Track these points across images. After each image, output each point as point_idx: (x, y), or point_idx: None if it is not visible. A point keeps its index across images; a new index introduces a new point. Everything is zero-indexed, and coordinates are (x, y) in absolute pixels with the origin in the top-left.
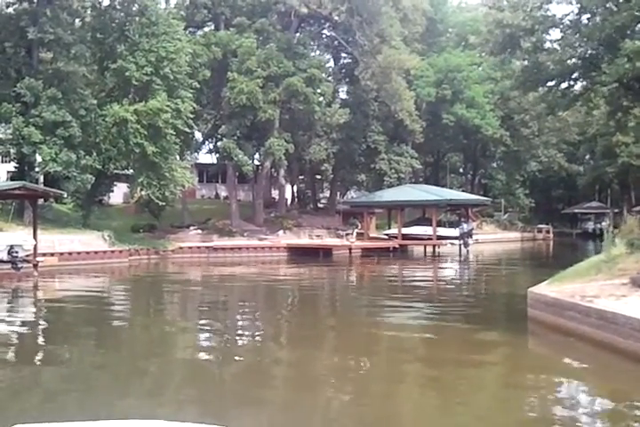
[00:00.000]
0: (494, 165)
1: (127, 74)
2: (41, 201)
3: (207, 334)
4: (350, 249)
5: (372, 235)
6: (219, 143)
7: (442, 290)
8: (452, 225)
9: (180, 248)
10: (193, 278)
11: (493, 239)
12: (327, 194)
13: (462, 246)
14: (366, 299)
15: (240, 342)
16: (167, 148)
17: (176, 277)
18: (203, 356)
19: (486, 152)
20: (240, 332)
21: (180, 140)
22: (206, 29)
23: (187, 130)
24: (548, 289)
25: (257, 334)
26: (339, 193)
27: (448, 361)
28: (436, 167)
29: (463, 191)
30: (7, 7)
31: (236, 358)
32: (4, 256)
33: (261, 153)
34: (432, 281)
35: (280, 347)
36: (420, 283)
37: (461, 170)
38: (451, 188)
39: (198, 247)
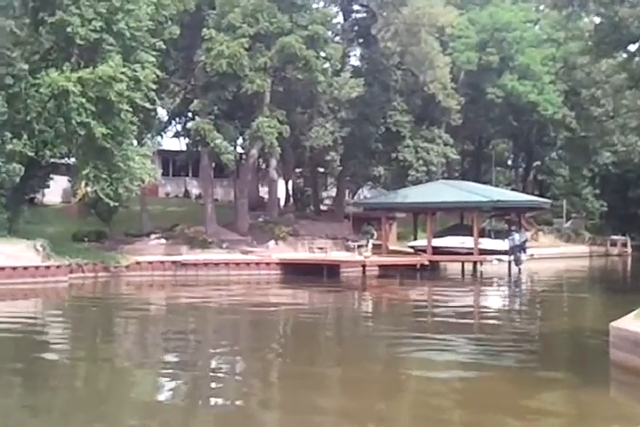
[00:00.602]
0: (554, 155)
1: (69, 30)
2: None
3: (170, 371)
4: (364, 266)
5: (391, 247)
6: (190, 124)
7: (487, 322)
8: (499, 235)
9: (137, 263)
10: (153, 304)
11: (553, 254)
12: (333, 193)
13: (513, 264)
14: (385, 333)
15: (214, 384)
16: (122, 129)
17: (131, 303)
18: (163, 398)
19: (544, 138)
20: (214, 373)
21: (138, 120)
22: None
23: (147, 105)
24: (637, 324)
25: (237, 372)
26: (348, 191)
27: (497, 409)
28: (478, 158)
29: (513, 190)
30: None
31: (211, 401)
32: None
33: (246, 137)
34: (473, 310)
35: (267, 387)
36: (457, 312)
37: (510, 162)
38: (496, 185)
39: (162, 262)
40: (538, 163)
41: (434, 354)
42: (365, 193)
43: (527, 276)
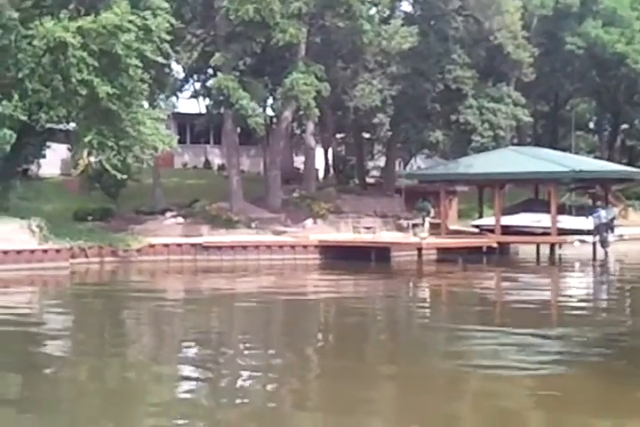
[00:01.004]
0: None
1: None
2: None
3: (191, 368)
4: (420, 249)
5: (452, 227)
6: (210, 81)
7: (567, 315)
8: (581, 212)
9: (151, 246)
10: (170, 294)
11: None
12: (381, 162)
13: (598, 246)
14: (445, 326)
15: (245, 405)
16: (130, 88)
17: (143, 293)
18: (184, 397)
19: (633, 97)
20: (244, 385)
21: (149, 77)
22: None
23: (160, 60)
24: None
25: (270, 389)
26: (398, 161)
27: (578, 409)
28: (554, 121)
29: (597, 158)
30: None
31: (237, 401)
32: None
33: (278, 97)
34: (551, 301)
35: (306, 385)
36: (532, 304)
37: (593, 125)
38: (576, 152)
39: (179, 245)
40: (626, 126)
41: (503, 350)
42: (419, 163)
43: (615, 260)
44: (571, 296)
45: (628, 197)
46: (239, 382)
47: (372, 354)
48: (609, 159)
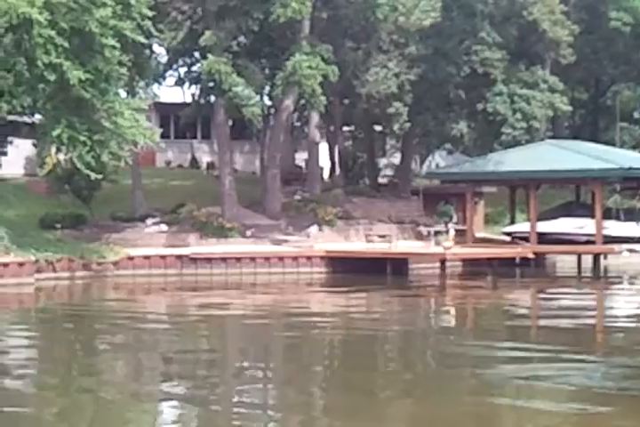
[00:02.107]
0: None
1: None
2: None
3: (175, 405)
4: (444, 261)
5: (478, 234)
6: (197, 66)
7: (618, 341)
8: (630, 217)
9: (130, 259)
10: (151, 315)
11: None
12: (395, 160)
13: None
14: (472, 353)
15: (237, 423)
16: (106, 73)
17: (120, 314)
18: None
19: None
20: (236, 407)
21: (128, 60)
22: None
23: (141, 39)
24: None
25: (269, 406)
26: (417, 158)
27: None
28: (594, 110)
29: None
30: None
31: None
32: None
33: (278, 82)
34: (596, 322)
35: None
36: (574, 325)
37: (639, 115)
38: (621, 146)
39: (162, 257)
40: None
41: (539, 380)
42: (437, 160)
43: None
44: (618, 316)
45: None
46: (233, 423)
47: (386, 388)
48: None
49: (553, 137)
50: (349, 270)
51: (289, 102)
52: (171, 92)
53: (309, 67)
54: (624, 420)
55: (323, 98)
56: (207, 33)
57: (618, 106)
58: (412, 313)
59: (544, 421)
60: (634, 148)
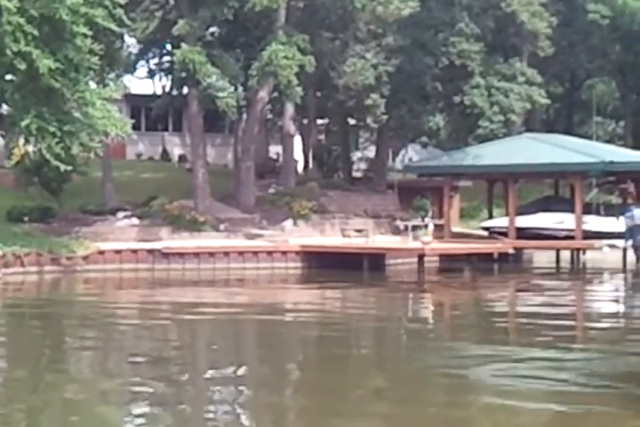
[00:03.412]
0: None
1: None
2: None
3: (144, 406)
4: (422, 256)
5: (454, 229)
6: (169, 57)
7: (598, 338)
8: (610, 211)
9: (100, 253)
10: (122, 311)
11: None
12: (370, 153)
13: (630, 251)
14: (450, 352)
15: (209, 424)
16: (77, 62)
17: (90, 310)
18: None
19: None
20: (207, 407)
21: (100, 49)
22: None
23: (113, 28)
24: None
25: (240, 407)
26: (389, 152)
27: None
28: (570, 104)
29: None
30: None
31: None
32: None
33: (253, 73)
34: (578, 320)
35: None
36: (554, 323)
37: (613, 109)
38: (596, 140)
39: (134, 251)
40: None
41: (519, 380)
42: (410, 154)
43: None
44: (599, 314)
45: None
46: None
47: (360, 388)
48: (634, 148)
49: (528, 131)
50: (325, 266)
51: (264, 94)
52: (141, 83)
53: (285, 57)
54: (602, 418)
55: (299, 89)
56: (181, 22)
57: (594, 100)
58: (388, 308)
59: (520, 420)
60: (608, 142)
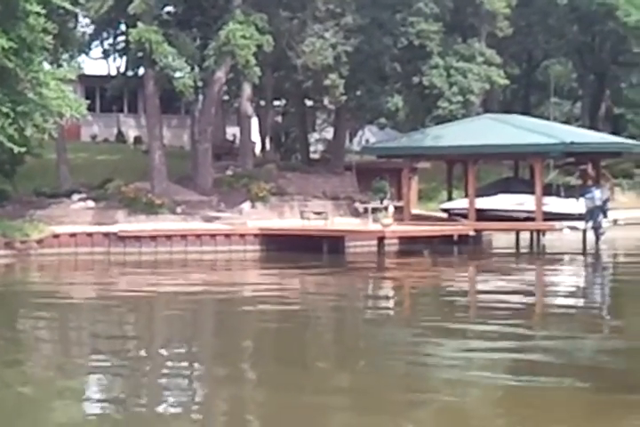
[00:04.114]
0: (634, 81)
1: None
2: None
3: (98, 402)
4: (382, 239)
5: (413, 211)
6: (124, 37)
7: (558, 322)
8: (571, 193)
9: (55, 236)
10: (77, 296)
11: (638, 219)
12: (327, 135)
13: (591, 233)
14: (407, 337)
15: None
16: (30, 41)
17: (43, 294)
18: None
19: (621, 56)
20: (163, 385)
21: (54, 28)
22: None
23: (67, 6)
24: None
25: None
26: (347, 133)
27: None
28: (527, 85)
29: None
30: None
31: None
32: None
33: (210, 53)
34: (537, 304)
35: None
36: (514, 307)
37: (571, 89)
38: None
39: (89, 235)
40: (611, 92)
41: (470, 362)
42: (367, 136)
43: (610, 250)
44: (558, 296)
45: (614, 174)
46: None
47: (318, 361)
48: (592, 129)
49: (486, 112)
50: (284, 249)
51: (221, 74)
52: (95, 64)
53: (243, 36)
54: (547, 398)
55: (257, 69)
56: (136, 0)
57: (552, 81)
58: (348, 291)
59: (477, 392)
60: (564, 123)
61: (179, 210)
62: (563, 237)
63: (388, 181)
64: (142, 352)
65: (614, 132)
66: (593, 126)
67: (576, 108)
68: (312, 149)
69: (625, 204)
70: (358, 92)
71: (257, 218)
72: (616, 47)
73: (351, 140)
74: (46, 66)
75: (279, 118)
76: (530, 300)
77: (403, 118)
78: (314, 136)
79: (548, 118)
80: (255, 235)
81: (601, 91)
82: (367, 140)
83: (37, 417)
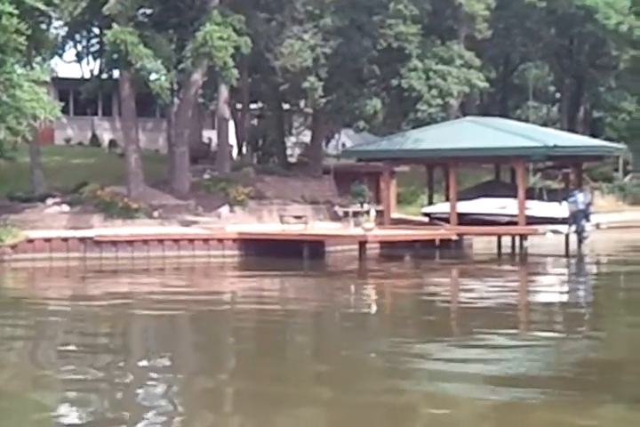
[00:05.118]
0: (613, 84)
1: None
2: None
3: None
4: (363, 243)
5: (393, 215)
6: (98, 39)
7: (538, 325)
8: (553, 196)
9: (29, 241)
10: (51, 303)
11: (618, 222)
12: (304, 138)
13: (573, 237)
14: (388, 345)
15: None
16: (3, 42)
17: (17, 301)
18: None
19: (599, 60)
20: (138, 398)
21: (27, 28)
22: None
23: (41, 6)
24: None
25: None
26: (324, 137)
27: None
28: (504, 88)
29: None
30: None
31: None
32: None
33: (187, 55)
34: (521, 309)
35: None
36: (496, 308)
37: (549, 93)
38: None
39: (64, 240)
40: (589, 95)
41: (454, 367)
42: (343, 139)
43: (593, 254)
44: (543, 304)
45: (593, 178)
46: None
47: (298, 374)
48: (571, 133)
49: (464, 115)
50: (263, 253)
51: (197, 76)
52: (68, 67)
53: (221, 38)
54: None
55: (235, 71)
56: (111, 1)
57: (531, 84)
58: (328, 297)
59: (458, 407)
60: (542, 126)
61: (155, 214)
62: (543, 241)
63: (366, 185)
64: (117, 369)
65: (593, 135)
66: (572, 129)
67: (552, 111)
68: (289, 152)
69: (604, 207)
70: (336, 95)
71: (235, 222)
72: (594, 50)
73: (327, 144)
74: (21, 67)
75: (255, 122)
76: (513, 306)
77: (380, 122)
78: (291, 140)
79: (526, 122)
80: (234, 239)
81: (579, 94)
82: (343, 144)
83: None
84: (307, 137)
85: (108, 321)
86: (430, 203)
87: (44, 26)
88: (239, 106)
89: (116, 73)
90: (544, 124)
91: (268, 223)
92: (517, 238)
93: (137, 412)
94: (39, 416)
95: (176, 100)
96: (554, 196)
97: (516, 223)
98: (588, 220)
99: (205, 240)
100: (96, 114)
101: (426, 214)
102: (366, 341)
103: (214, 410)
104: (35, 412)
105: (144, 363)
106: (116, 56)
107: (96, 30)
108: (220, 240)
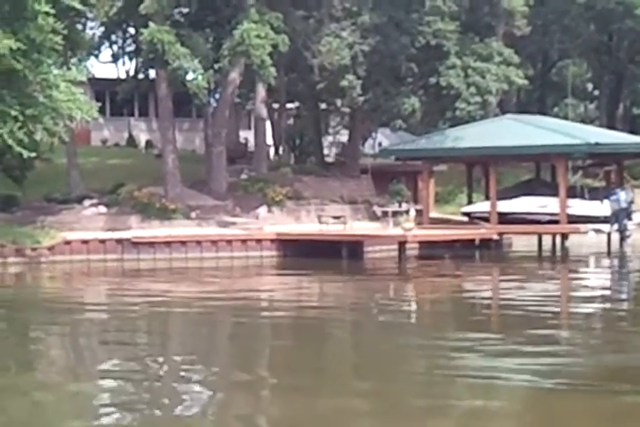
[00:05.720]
0: None
1: None
2: None
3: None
4: (403, 243)
5: (431, 215)
6: (134, 39)
7: (589, 331)
8: (595, 195)
9: (66, 243)
10: (89, 304)
11: None
12: (341, 138)
13: (615, 236)
14: (430, 347)
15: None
16: (39, 42)
17: (55, 303)
18: None
19: (637, 57)
20: (180, 400)
21: (63, 27)
22: None
23: (77, 5)
24: None
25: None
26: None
27: None
28: (542, 86)
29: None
30: None
31: None
32: None
33: (224, 53)
34: (563, 311)
35: None
36: (543, 313)
37: (589, 90)
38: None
39: (102, 241)
40: (629, 92)
41: (493, 377)
42: (380, 139)
43: (635, 253)
44: (587, 302)
45: (633, 176)
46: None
47: (336, 367)
48: (611, 130)
49: (503, 113)
50: (302, 254)
51: (235, 75)
52: (105, 67)
53: (258, 36)
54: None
55: (272, 69)
56: (147, 0)
57: (569, 81)
58: (367, 298)
59: (499, 396)
60: (580, 122)
61: (193, 215)
62: (584, 241)
63: (404, 184)
64: (158, 366)
65: (632, 132)
66: (611, 127)
67: (590, 109)
68: (326, 152)
69: None
70: (374, 94)
71: (273, 223)
72: (634, 46)
73: (364, 144)
74: (57, 67)
75: (292, 121)
76: (557, 307)
77: (417, 120)
78: (328, 139)
79: (565, 119)
80: (272, 240)
81: (618, 91)
82: (380, 144)
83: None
84: (344, 136)
85: (144, 321)
86: (470, 202)
87: (79, 26)
88: (276, 105)
89: (152, 73)
90: (582, 122)
91: (306, 224)
92: (558, 238)
93: (175, 400)
94: (80, 405)
95: (212, 100)
96: (595, 194)
97: (557, 222)
98: (630, 218)
99: (243, 241)
100: (132, 114)
101: (465, 214)
102: (402, 346)
103: (253, 399)
104: (75, 402)
105: (181, 358)
106: (152, 56)
107: (132, 30)
108: (259, 241)
